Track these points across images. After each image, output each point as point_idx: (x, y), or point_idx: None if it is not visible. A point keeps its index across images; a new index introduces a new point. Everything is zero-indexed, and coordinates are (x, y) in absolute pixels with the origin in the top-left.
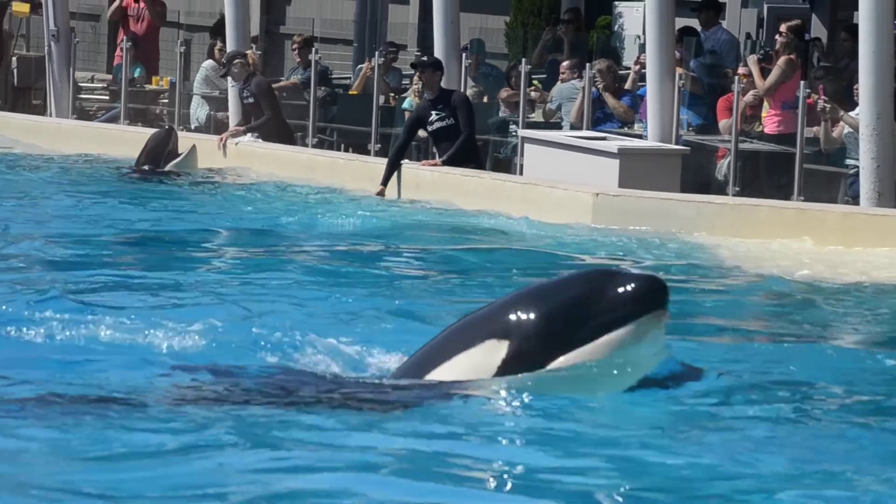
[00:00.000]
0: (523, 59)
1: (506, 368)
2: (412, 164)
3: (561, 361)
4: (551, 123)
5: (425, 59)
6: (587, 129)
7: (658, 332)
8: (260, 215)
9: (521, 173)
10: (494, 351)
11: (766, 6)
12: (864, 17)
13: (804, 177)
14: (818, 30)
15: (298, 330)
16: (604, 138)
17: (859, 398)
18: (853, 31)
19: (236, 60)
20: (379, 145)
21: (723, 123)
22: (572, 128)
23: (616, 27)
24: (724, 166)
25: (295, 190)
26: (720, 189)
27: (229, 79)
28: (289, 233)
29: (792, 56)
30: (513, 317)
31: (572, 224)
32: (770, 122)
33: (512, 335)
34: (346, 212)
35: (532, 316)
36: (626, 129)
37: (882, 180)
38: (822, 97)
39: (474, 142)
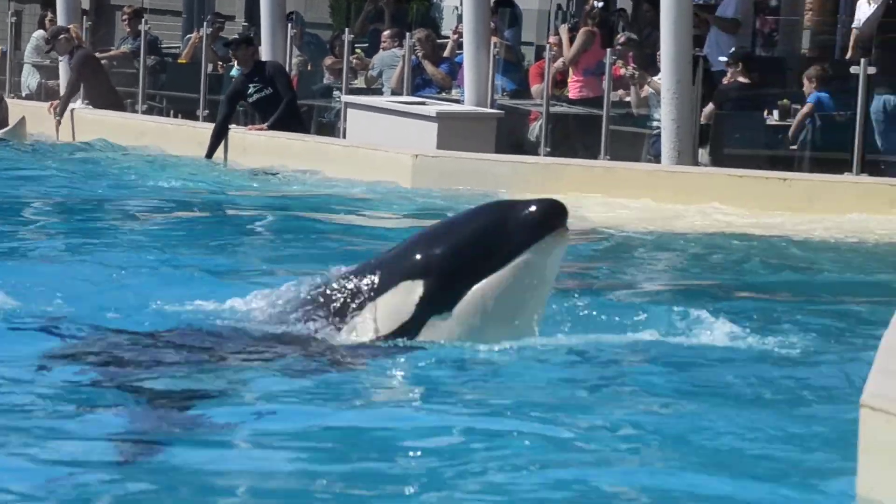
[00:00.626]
0: (346, 29)
1: (424, 306)
2: (239, 129)
3: (476, 290)
4: (373, 89)
5: (235, 37)
6: (407, 94)
7: (561, 250)
8: (90, 180)
9: (344, 137)
10: (411, 291)
11: None
12: None
13: (610, 138)
14: (623, 1)
15: (153, 293)
16: (423, 103)
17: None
18: (655, 2)
19: (60, 36)
20: (207, 111)
21: (534, 88)
22: (393, 93)
23: None
24: (535, 128)
25: (126, 155)
26: (533, 150)
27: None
28: (119, 197)
29: (591, 28)
30: (423, 255)
31: (393, 184)
32: (573, 87)
33: (425, 273)
34: (175, 176)
35: (441, 252)
36: (444, 95)
37: (682, 140)
38: (632, 64)
39: (297, 106)
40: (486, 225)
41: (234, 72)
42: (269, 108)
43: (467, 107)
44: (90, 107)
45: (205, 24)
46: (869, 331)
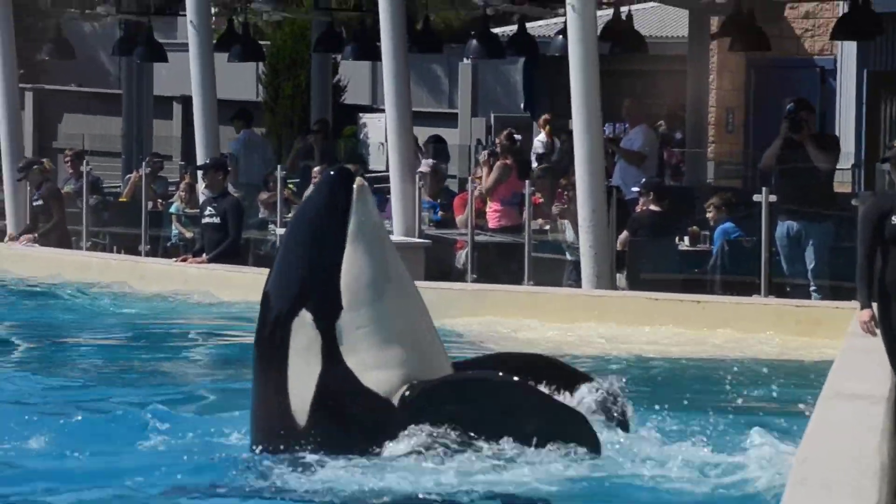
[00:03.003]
0: (279, 166)
1: (322, 323)
2: (180, 263)
3: (343, 277)
4: None
5: (208, 161)
6: None
7: (367, 198)
8: (33, 313)
9: None
10: (303, 323)
11: (492, 115)
12: (578, 124)
13: (532, 264)
14: (539, 135)
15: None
16: None
17: None
18: (570, 134)
19: (35, 167)
20: (148, 246)
21: (459, 219)
22: None
23: (361, 135)
24: (462, 256)
25: (67, 289)
26: (460, 276)
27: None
28: (61, 328)
29: (507, 161)
30: (284, 293)
31: None
32: (492, 217)
33: (298, 302)
34: (114, 307)
35: (292, 277)
36: None
37: (600, 265)
38: (558, 202)
39: (238, 246)
40: (301, 226)
41: (174, 208)
42: (214, 235)
43: (396, 237)
44: (36, 244)
45: (143, 163)
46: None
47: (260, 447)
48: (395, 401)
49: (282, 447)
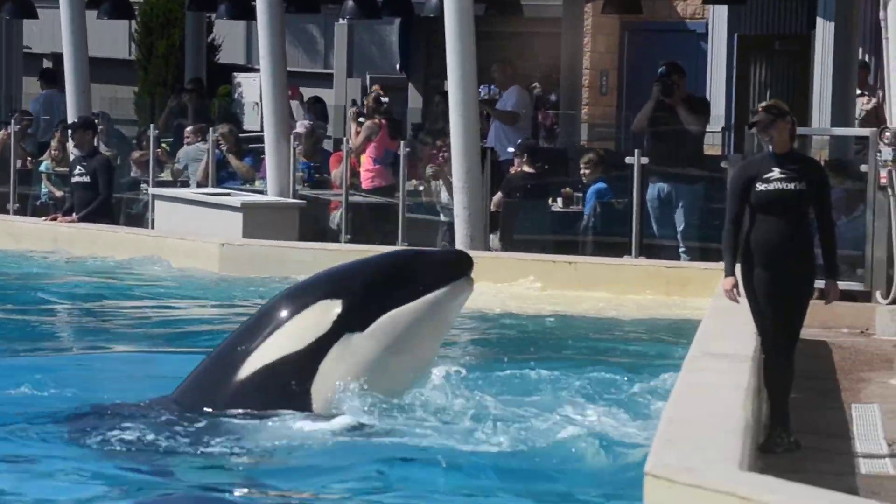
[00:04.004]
0: (151, 125)
1: (340, 322)
2: (49, 222)
3: (389, 316)
4: (180, 181)
5: (75, 120)
6: (212, 186)
7: (468, 295)
8: None
9: (152, 227)
10: (329, 309)
11: (368, 76)
12: (453, 86)
13: (406, 225)
14: (414, 95)
15: None
16: (228, 194)
17: None
18: (446, 95)
19: None
20: (17, 205)
21: (334, 173)
22: (199, 186)
23: (236, 95)
24: (336, 217)
25: None
26: (335, 237)
27: None
28: None
29: (376, 119)
30: (342, 280)
31: (201, 272)
32: (365, 177)
33: (344, 294)
34: None
35: (360, 279)
36: (248, 186)
37: (474, 226)
38: (433, 163)
39: (111, 204)
40: (404, 262)
41: (44, 166)
42: (84, 194)
43: (270, 197)
44: None
45: (12, 121)
46: (649, 402)
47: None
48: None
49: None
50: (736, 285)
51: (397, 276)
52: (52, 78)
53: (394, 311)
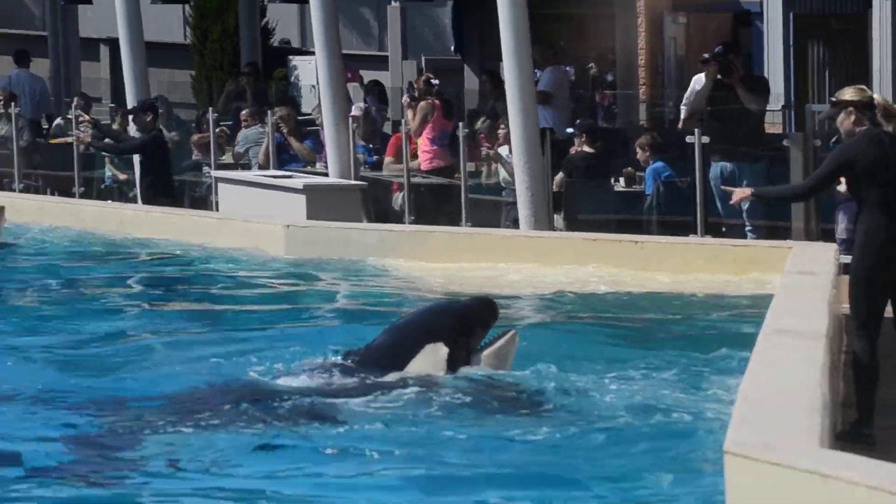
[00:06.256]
0: (210, 108)
1: (449, 362)
2: (115, 204)
3: (484, 355)
4: (241, 164)
5: (136, 104)
6: (274, 168)
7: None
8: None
9: (217, 210)
10: (437, 352)
11: (423, 58)
12: (509, 67)
13: (469, 205)
14: (470, 77)
15: None
16: (290, 176)
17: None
18: (491, 74)
19: None
20: (83, 188)
21: (386, 160)
22: (260, 168)
23: (292, 78)
24: (399, 198)
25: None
26: (398, 218)
27: None
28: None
29: (430, 100)
30: (441, 326)
31: (267, 254)
32: (424, 158)
33: (445, 339)
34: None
35: (454, 324)
36: (309, 168)
37: (537, 207)
38: (486, 144)
39: (165, 181)
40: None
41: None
42: (144, 174)
43: (332, 179)
44: None
45: (73, 106)
46: (722, 380)
47: None
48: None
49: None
50: (749, 198)
51: (482, 321)
52: (24, 58)
53: (485, 352)
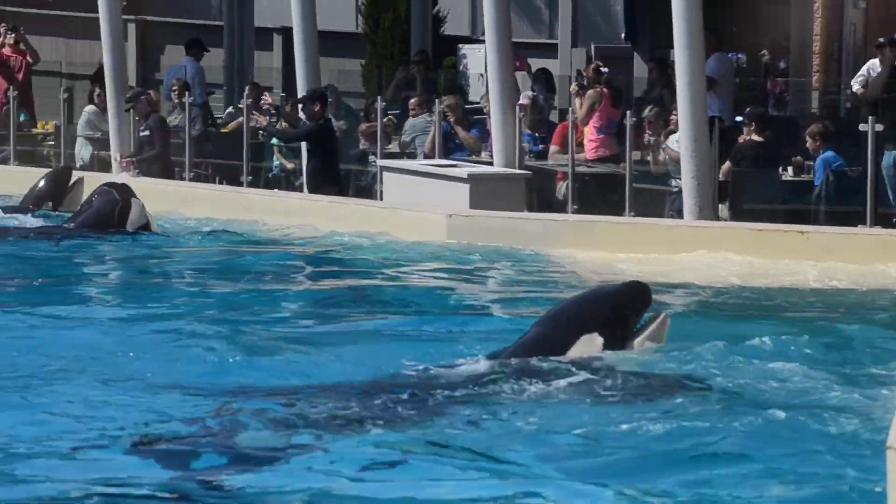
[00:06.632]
0: (378, 97)
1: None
2: (279, 193)
3: (637, 341)
4: (407, 153)
5: (305, 94)
6: (439, 157)
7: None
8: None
9: (381, 199)
10: (593, 341)
11: (593, 46)
12: (680, 55)
13: (633, 195)
14: (640, 66)
15: None
16: (454, 165)
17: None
18: (659, 61)
19: (142, 97)
20: (251, 177)
21: (552, 149)
22: (426, 157)
23: (461, 67)
24: (563, 187)
25: (176, 223)
26: (561, 208)
27: (132, 112)
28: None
29: (598, 88)
30: (594, 316)
31: (429, 242)
32: (589, 147)
33: (599, 328)
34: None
35: (607, 313)
36: (473, 157)
37: (702, 196)
38: (648, 132)
39: (332, 170)
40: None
41: (274, 140)
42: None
43: (497, 168)
44: (139, 174)
45: (245, 94)
46: (887, 374)
47: None
48: None
49: None
50: None
51: (635, 306)
52: (195, 46)
53: (639, 337)
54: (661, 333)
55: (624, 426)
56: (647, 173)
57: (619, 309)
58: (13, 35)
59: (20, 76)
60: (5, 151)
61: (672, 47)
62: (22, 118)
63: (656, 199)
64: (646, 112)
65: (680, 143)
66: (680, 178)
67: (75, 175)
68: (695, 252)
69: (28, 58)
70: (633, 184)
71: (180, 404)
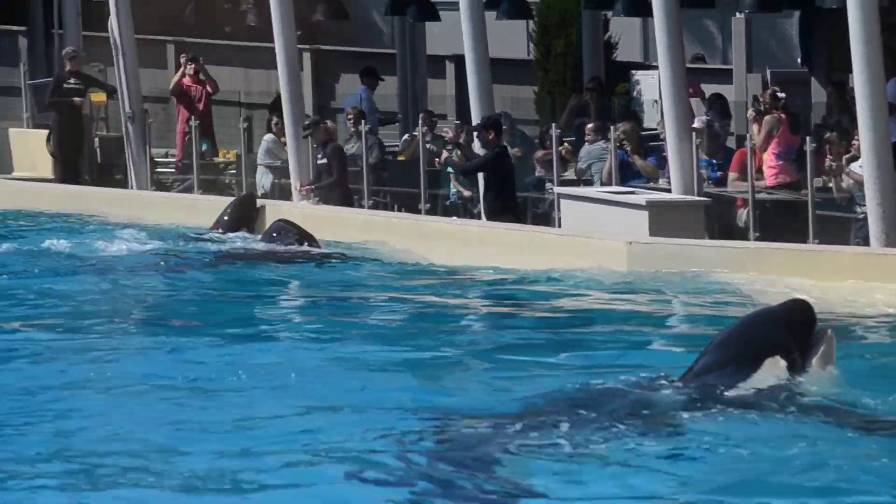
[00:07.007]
0: (553, 124)
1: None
2: (463, 221)
3: (814, 362)
4: (583, 181)
5: (479, 121)
6: (616, 184)
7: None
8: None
9: (559, 226)
10: (777, 364)
11: (769, 71)
12: (859, 79)
13: (816, 222)
14: (817, 90)
15: None
16: (632, 192)
17: None
18: (837, 85)
19: (320, 125)
20: (428, 205)
21: (731, 176)
22: (603, 184)
23: (634, 93)
24: (743, 214)
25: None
26: (742, 235)
27: (310, 140)
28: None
29: (777, 114)
30: (772, 338)
31: (609, 271)
32: (769, 174)
33: (780, 351)
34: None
35: (784, 334)
36: (651, 184)
37: (888, 223)
38: (829, 156)
39: (509, 197)
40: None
41: (451, 168)
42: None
43: (675, 195)
44: (319, 202)
45: (420, 122)
46: None
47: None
48: None
49: None
50: None
51: (806, 327)
52: (370, 74)
53: (816, 357)
54: (833, 352)
55: (841, 461)
56: (830, 200)
57: (794, 329)
58: (193, 66)
59: (200, 106)
60: (189, 181)
61: (849, 71)
62: (204, 147)
63: (839, 226)
64: (827, 135)
65: (863, 170)
66: (865, 205)
67: (258, 203)
68: (881, 280)
69: (208, 88)
70: (817, 210)
71: (396, 426)
